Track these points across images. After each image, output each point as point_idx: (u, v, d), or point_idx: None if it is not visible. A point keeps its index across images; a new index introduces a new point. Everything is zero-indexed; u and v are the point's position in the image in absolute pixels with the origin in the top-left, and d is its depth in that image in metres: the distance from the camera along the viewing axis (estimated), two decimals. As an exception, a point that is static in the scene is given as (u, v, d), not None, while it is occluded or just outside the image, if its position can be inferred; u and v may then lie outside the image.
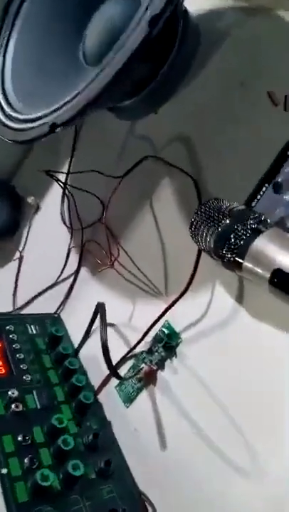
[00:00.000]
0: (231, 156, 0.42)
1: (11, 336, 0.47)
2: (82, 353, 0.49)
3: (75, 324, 0.52)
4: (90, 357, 0.48)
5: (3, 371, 0.43)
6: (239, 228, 0.33)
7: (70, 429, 0.41)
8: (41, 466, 0.37)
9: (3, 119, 0.45)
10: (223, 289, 0.39)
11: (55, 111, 0.40)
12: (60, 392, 0.44)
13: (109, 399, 0.45)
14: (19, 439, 0.38)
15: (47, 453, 0.38)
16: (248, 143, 0.41)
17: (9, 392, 0.41)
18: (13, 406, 0.40)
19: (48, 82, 0.49)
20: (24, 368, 0.44)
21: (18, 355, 0.45)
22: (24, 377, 0.43)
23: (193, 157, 0.45)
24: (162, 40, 0.42)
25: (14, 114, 0.45)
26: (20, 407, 0.40)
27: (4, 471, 0.35)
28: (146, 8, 0.35)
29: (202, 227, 0.36)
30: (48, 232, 0.61)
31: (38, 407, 0.42)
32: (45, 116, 0.40)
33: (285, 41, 0.40)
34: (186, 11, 0.48)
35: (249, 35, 0.44)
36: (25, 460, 0.37)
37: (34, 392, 0.42)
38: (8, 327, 0.48)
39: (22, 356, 0.45)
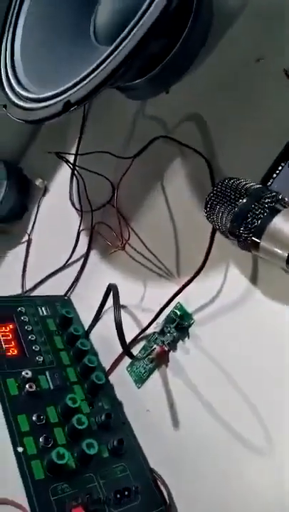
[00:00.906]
0: (245, 135, 0.41)
1: (22, 318, 0.47)
2: (93, 334, 0.49)
3: (85, 306, 0.52)
4: (101, 338, 0.49)
5: (16, 352, 0.43)
6: (256, 207, 0.33)
7: (83, 408, 0.41)
8: (56, 445, 0.37)
9: (14, 98, 0.44)
10: (236, 269, 0.39)
11: (68, 89, 0.39)
12: (73, 372, 0.44)
13: (121, 380, 0.45)
14: (34, 418, 0.38)
15: (61, 432, 0.39)
16: (262, 121, 0.40)
17: (23, 373, 0.41)
18: (26, 386, 0.40)
19: (59, 60, 0.48)
20: (36, 349, 0.44)
21: (30, 337, 0.45)
22: (37, 358, 0.44)
23: (205, 137, 0.45)
24: (178, 13, 0.41)
25: (25, 94, 0.44)
26: (34, 388, 0.40)
27: (20, 449, 0.36)
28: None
29: (218, 207, 0.35)
30: (56, 214, 0.61)
31: (51, 387, 0.42)
32: (58, 95, 0.40)
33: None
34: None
35: (264, 9, 0.43)
36: (41, 439, 0.37)
37: (47, 373, 0.43)
38: (19, 309, 0.48)
39: (34, 337, 0.45)
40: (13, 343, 0.44)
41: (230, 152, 0.42)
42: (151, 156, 0.48)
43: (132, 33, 0.34)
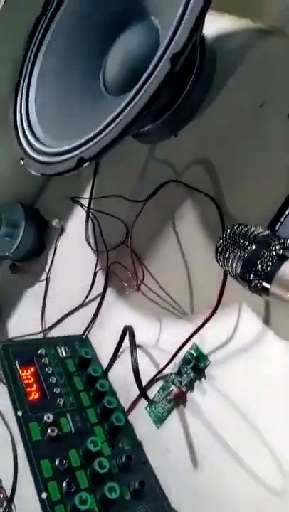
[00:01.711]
0: (253, 178, 0.43)
1: (42, 360, 0.48)
2: (112, 373, 0.50)
3: (102, 345, 0.53)
4: (119, 377, 0.50)
5: (38, 395, 0.45)
6: (265, 254, 0.34)
7: (104, 451, 0.42)
8: (79, 489, 0.38)
9: (31, 153, 0.47)
10: (249, 310, 0.40)
11: (81, 145, 0.41)
12: (93, 414, 0.45)
13: (140, 419, 0.46)
14: (56, 463, 0.39)
15: (83, 476, 0.39)
16: (269, 165, 0.42)
17: (45, 417, 0.42)
18: (49, 430, 0.41)
19: (72, 111, 0.50)
20: (57, 392, 0.46)
21: (50, 379, 0.47)
22: (58, 401, 0.45)
23: (214, 180, 0.46)
24: (183, 70, 0.44)
25: (41, 147, 0.46)
26: (56, 432, 0.41)
27: (44, 495, 0.37)
28: (168, 45, 0.36)
29: (228, 253, 0.37)
30: (73, 254, 0.63)
31: (73, 430, 0.43)
32: (72, 150, 0.42)
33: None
34: (202, 36, 0.49)
35: (265, 56, 0.45)
36: (64, 484, 0.38)
37: (68, 416, 0.44)
38: (39, 351, 0.49)
39: (54, 380, 0.47)
40: (34, 386, 0.46)
41: (239, 195, 0.44)
42: (163, 199, 0.50)
43: (139, 96, 0.36)
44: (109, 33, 0.51)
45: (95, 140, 0.40)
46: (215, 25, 0.50)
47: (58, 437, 0.42)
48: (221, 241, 0.38)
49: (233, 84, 0.47)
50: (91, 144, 0.40)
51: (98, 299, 0.56)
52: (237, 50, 0.47)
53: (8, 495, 0.57)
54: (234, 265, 0.36)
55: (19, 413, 0.43)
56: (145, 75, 0.37)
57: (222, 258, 0.37)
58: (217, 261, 0.39)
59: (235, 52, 0.47)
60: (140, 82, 0.38)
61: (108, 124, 0.39)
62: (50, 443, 0.41)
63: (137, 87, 0.38)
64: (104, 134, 0.39)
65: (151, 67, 0.37)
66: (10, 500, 0.57)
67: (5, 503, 0.58)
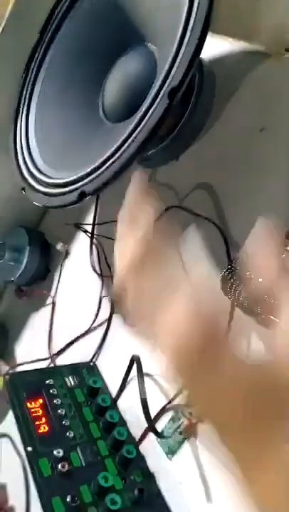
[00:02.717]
0: (255, 203, 0.42)
1: (51, 391, 0.48)
2: (120, 403, 0.50)
3: (110, 372, 0.53)
4: (129, 407, 0.49)
5: (47, 429, 0.44)
6: (272, 288, 0.33)
7: (116, 485, 0.42)
8: (91, 527, 0.38)
9: (32, 183, 0.47)
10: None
11: (83, 177, 0.41)
12: (103, 446, 0.45)
13: (152, 450, 0.45)
14: (68, 500, 0.39)
15: (96, 512, 0.39)
16: (271, 189, 0.42)
17: (54, 452, 0.42)
18: (59, 466, 0.41)
19: (72, 141, 0.50)
20: (66, 424, 0.45)
21: (59, 411, 0.46)
22: (67, 434, 0.44)
23: (217, 204, 0.46)
24: (182, 98, 0.44)
25: (42, 178, 0.46)
26: (66, 467, 0.41)
27: (56, 535, 0.36)
28: (165, 78, 0.36)
29: (234, 286, 0.36)
30: (78, 278, 0.63)
31: (83, 464, 0.43)
32: (74, 182, 0.42)
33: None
34: (200, 61, 0.49)
35: (264, 80, 0.44)
36: (76, 522, 0.38)
37: (78, 449, 0.43)
38: (47, 381, 0.49)
39: (63, 412, 0.46)
40: (43, 419, 0.45)
41: (242, 221, 0.43)
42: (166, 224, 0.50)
43: (138, 131, 0.36)
44: (107, 59, 0.51)
45: (96, 173, 0.40)
46: (213, 47, 0.49)
47: (68, 472, 0.41)
48: (226, 272, 0.37)
49: (233, 108, 0.47)
50: (92, 176, 0.40)
51: (105, 325, 0.56)
52: (236, 73, 0.47)
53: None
54: (240, 298, 0.36)
55: (29, 449, 0.42)
56: (143, 109, 0.37)
57: (228, 291, 0.37)
58: (223, 291, 0.38)
59: (234, 75, 0.47)
60: (139, 116, 0.37)
61: (108, 158, 0.39)
62: (61, 479, 0.41)
63: (136, 120, 0.38)
64: (104, 167, 0.39)
65: (149, 100, 0.37)
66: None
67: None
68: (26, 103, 0.54)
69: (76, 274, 0.63)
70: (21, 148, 0.51)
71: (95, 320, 0.57)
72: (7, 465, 0.64)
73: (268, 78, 0.45)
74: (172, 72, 0.35)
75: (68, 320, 0.62)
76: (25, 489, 0.58)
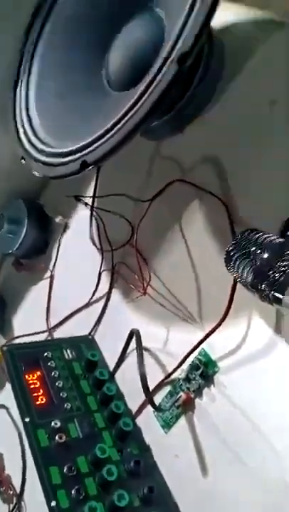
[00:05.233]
0: (264, 179, 0.41)
1: (49, 363, 0.48)
2: (118, 376, 0.50)
3: (108, 345, 0.53)
4: (126, 380, 0.49)
5: (45, 401, 0.44)
6: (278, 264, 0.33)
7: (112, 456, 0.42)
8: (88, 497, 0.38)
9: (33, 152, 0.46)
10: (259, 317, 0.39)
11: (85, 147, 0.40)
12: (100, 418, 0.45)
13: (148, 423, 0.46)
14: (65, 470, 0.39)
15: (92, 483, 0.39)
16: (281, 164, 0.41)
17: (52, 423, 0.42)
18: (56, 437, 0.41)
19: (74, 109, 0.49)
20: (64, 396, 0.45)
21: (57, 383, 0.46)
22: (65, 406, 0.44)
23: (222, 179, 0.45)
24: (190, 68, 0.42)
25: (43, 147, 0.45)
26: (64, 438, 0.41)
27: (53, 503, 0.37)
28: (175, 43, 0.34)
29: (238, 261, 0.36)
30: (77, 252, 0.62)
31: (80, 435, 0.43)
32: (75, 152, 0.40)
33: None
34: (210, 29, 0.47)
35: (277, 50, 0.43)
36: (72, 491, 0.38)
37: (75, 421, 0.44)
38: (45, 354, 0.49)
39: (61, 384, 0.46)
40: (41, 391, 0.45)
41: (249, 197, 0.42)
42: (169, 199, 0.49)
43: (144, 97, 0.35)
44: (112, 26, 0.48)
45: (99, 142, 0.38)
46: (223, 15, 0.47)
47: (65, 443, 0.41)
48: (231, 248, 0.37)
49: (242, 80, 0.45)
50: (95, 146, 0.39)
51: (104, 299, 0.55)
52: (247, 43, 0.45)
53: (18, 491, 0.58)
54: (244, 273, 0.35)
55: (26, 419, 0.42)
56: (151, 75, 0.36)
57: (232, 266, 0.36)
58: (227, 268, 0.38)
59: (245, 45, 0.45)
60: (146, 82, 0.36)
61: (113, 126, 0.38)
62: (58, 449, 0.41)
63: (142, 86, 0.36)
64: (108, 135, 0.38)
65: (156, 66, 0.35)
66: (20, 496, 0.58)
67: (15, 499, 0.59)
68: (26, 71, 0.52)
69: (75, 248, 0.63)
70: (21, 117, 0.50)
71: (94, 294, 0.57)
72: (3, 435, 0.65)
73: (281, 49, 0.43)
74: (182, 37, 0.34)
75: (67, 293, 0.62)
76: (21, 459, 0.58)
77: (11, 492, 0.59)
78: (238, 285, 0.39)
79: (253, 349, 0.39)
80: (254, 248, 0.35)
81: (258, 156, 0.42)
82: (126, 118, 0.36)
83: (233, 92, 0.45)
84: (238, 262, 0.36)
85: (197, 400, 0.42)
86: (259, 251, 0.35)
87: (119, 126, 0.37)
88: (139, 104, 0.35)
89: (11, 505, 0.58)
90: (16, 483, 0.59)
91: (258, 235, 0.36)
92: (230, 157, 0.44)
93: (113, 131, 0.37)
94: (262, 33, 0.44)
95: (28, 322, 0.66)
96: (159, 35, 0.43)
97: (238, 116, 0.45)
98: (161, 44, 0.41)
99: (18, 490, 0.58)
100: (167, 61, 0.34)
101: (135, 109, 0.35)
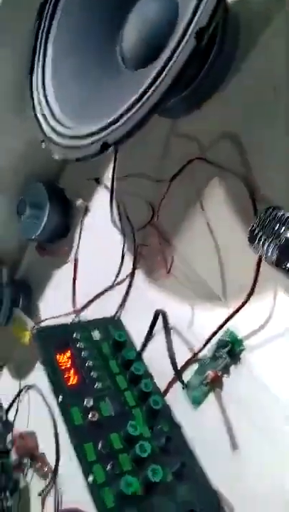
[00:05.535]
0: (284, 154, 0.40)
1: (78, 345, 0.49)
2: (146, 355, 0.51)
3: (134, 326, 0.54)
4: (154, 359, 0.50)
5: (76, 380, 0.46)
6: (303, 241, 0.33)
7: (144, 433, 0.43)
8: (122, 472, 0.39)
9: (52, 136, 0.46)
10: (285, 295, 0.39)
11: (105, 128, 0.39)
12: (130, 396, 0.46)
13: (177, 400, 0.46)
14: (99, 447, 0.41)
15: (126, 458, 0.41)
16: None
17: (85, 402, 0.43)
18: (89, 415, 0.42)
19: (90, 90, 0.48)
20: (94, 376, 0.46)
21: (87, 363, 0.47)
22: (96, 385, 0.46)
23: (243, 157, 0.44)
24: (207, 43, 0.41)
25: (62, 130, 0.45)
26: (96, 416, 0.42)
27: (90, 478, 0.38)
28: (192, 18, 0.33)
29: (262, 240, 0.35)
30: (99, 234, 0.62)
31: (112, 414, 0.44)
32: (96, 133, 0.40)
33: None
34: (225, 3, 0.45)
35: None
36: (108, 467, 0.39)
37: (107, 399, 0.45)
38: (74, 335, 0.50)
39: (91, 363, 0.47)
40: (72, 371, 0.46)
41: (270, 174, 0.41)
42: (189, 178, 0.48)
43: (163, 75, 0.34)
44: (125, 2, 0.47)
45: (119, 123, 0.38)
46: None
47: (98, 421, 0.43)
48: (255, 226, 0.36)
49: (258, 56, 0.43)
50: (115, 126, 0.38)
51: (128, 281, 0.56)
52: (263, 18, 0.43)
53: (53, 468, 0.61)
54: (269, 252, 0.35)
55: (60, 398, 0.44)
56: (168, 51, 0.35)
57: (256, 245, 0.36)
58: (251, 246, 0.37)
59: (261, 20, 0.43)
60: (164, 58, 0.35)
61: (133, 104, 0.37)
62: (92, 427, 0.42)
63: (160, 63, 0.35)
64: (129, 115, 0.37)
65: (174, 42, 0.35)
66: (54, 472, 0.61)
67: (50, 475, 0.61)
68: (42, 54, 0.51)
69: (97, 231, 0.63)
70: (39, 100, 0.50)
71: (117, 275, 0.57)
72: (35, 415, 0.67)
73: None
74: (199, 12, 0.33)
75: (90, 276, 0.63)
76: (54, 437, 0.61)
77: (46, 469, 0.62)
78: (263, 264, 0.39)
79: (279, 326, 0.39)
80: (278, 226, 0.35)
81: (277, 133, 0.41)
82: (146, 96, 0.36)
83: (250, 67, 0.44)
84: (262, 241, 0.36)
85: (225, 378, 0.42)
86: (283, 229, 0.34)
87: (139, 104, 0.36)
88: (158, 81, 0.35)
89: (47, 480, 0.61)
90: (50, 460, 0.61)
91: (281, 213, 0.35)
92: (248, 133, 0.44)
93: (133, 110, 0.36)
94: (279, 7, 0.42)
95: (54, 305, 0.68)
96: (173, 10, 0.42)
97: (255, 92, 0.43)
98: (176, 19, 0.40)
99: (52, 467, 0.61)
100: (185, 37, 0.33)
101: (154, 86, 0.35)
